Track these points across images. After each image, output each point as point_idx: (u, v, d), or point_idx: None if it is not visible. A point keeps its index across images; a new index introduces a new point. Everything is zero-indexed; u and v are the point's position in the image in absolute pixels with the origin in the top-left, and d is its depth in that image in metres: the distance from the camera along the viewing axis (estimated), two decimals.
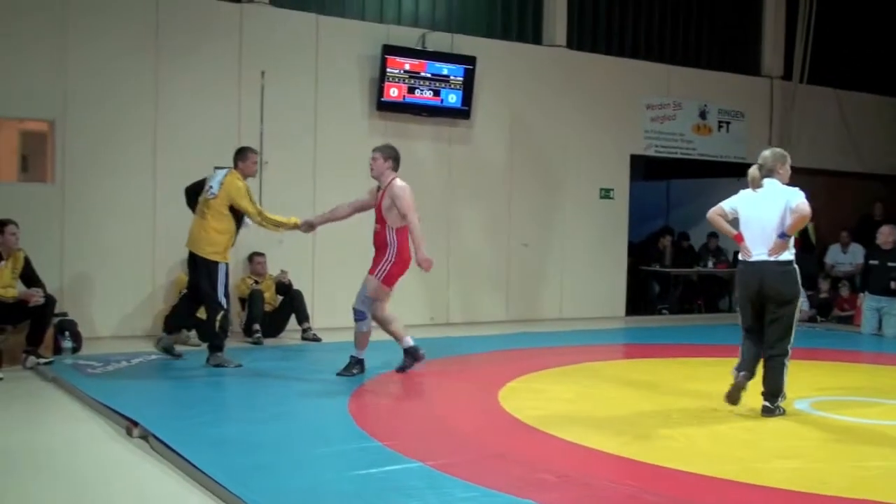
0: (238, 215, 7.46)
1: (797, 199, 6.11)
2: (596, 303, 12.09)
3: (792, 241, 6.15)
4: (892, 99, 14.59)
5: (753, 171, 6.25)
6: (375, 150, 7.24)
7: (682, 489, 4.49)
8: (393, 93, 10.37)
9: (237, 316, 9.39)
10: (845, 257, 13.03)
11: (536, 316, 11.53)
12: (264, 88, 9.82)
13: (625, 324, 11.88)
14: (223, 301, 7.42)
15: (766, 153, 6.36)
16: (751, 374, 6.14)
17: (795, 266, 6.14)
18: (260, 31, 9.83)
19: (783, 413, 6.09)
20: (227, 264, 7.50)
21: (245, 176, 7.54)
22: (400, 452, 4.84)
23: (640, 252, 13.42)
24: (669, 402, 6.52)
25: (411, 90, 10.48)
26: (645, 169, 14.66)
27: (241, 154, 7.62)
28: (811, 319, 12.30)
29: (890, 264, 11.09)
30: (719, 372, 7.94)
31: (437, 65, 10.60)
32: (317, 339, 9.21)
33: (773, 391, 6.05)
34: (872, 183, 14.22)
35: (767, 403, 6.06)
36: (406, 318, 10.30)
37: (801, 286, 6.17)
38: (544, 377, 7.44)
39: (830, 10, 13.65)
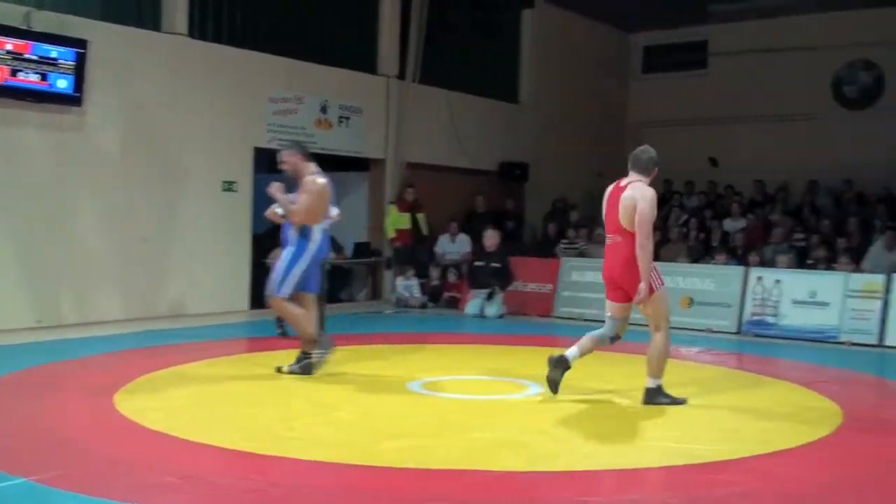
0: None
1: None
2: (220, 297, 11.97)
3: None
4: (491, 101, 15.99)
5: None
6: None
7: (303, 477, 4.65)
8: None
9: None
10: (454, 247, 14.10)
11: (158, 313, 11.16)
12: None
13: (249, 317, 11.89)
14: None
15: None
16: None
17: None
18: None
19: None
20: None
21: None
22: (1, 470, 4.49)
23: (265, 244, 13.47)
24: (290, 393, 6.69)
25: (14, 73, 9.61)
26: (269, 162, 14.74)
27: None
28: (423, 306, 13.21)
29: (493, 265, 12.32)
30: (340, 360, 8.29)
31: (45, 46, 9.82)
32: None
33: None
34: (476, 178, 15.52)
35: None
36: (7, 322, 9.57)
37: None
38: (166, 376, 7.24)
39: (441, 16, 14.63)
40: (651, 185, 6.44)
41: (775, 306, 10.97)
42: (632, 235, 6.28)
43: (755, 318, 11.06)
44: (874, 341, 10.23)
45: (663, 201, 16.10)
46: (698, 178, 16.64)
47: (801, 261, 12.09)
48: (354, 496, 4.39)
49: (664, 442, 5.45)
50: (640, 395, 6.54)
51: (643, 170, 6.47)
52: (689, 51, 18.24)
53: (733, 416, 6.31)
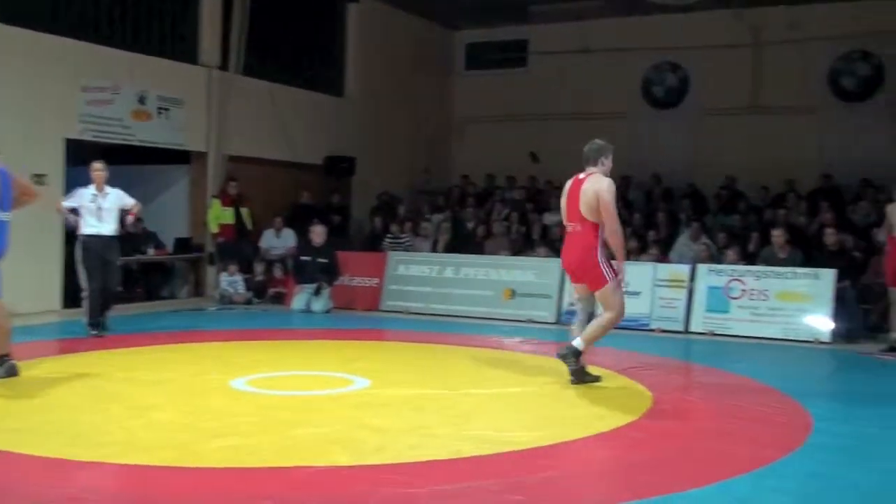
0: None
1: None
2: (28, 296, 11.23)
3: None
4: (317, 94, 15.88)
5: None
6: None
7: (122, 482, 4.50)
8: None
9: None
10: (279, 241, 13.93)
11: None
12: None
13: (61, 317, 11.31)
14: None
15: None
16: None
17: None
18: None
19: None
20: None
21: None
22: None
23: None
24: (106, 396, 6.43)
25: None
26: (83, 154, 14.08)
27: None
28: (247, 302, 12.98)
29: (320, 260, 12.28)
30: (161, 360, 8.06)
31: None
32: None
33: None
34: (301, 171, 15.37)
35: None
36: None
37: None
38: None
39: (265, 7, 14.39)
40: (610, 173, 6.99)
41: None
42: (591, 224, 6.82)
43: (573, 307, 11.49)
44: (680, 328, 10.89)
45: (486, 196, 16.57)
46: (520, 172, 17.15)
47: None
48: (176, 499, 4.28)
49: (487, 431, 5.60)
50: (463, 388, 6.70)
51: (593, 162, 7.01)
52: (510, 49, 18.75)
53: (553, 403, 6.57)
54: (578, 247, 6.90)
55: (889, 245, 9.65)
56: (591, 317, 7.27)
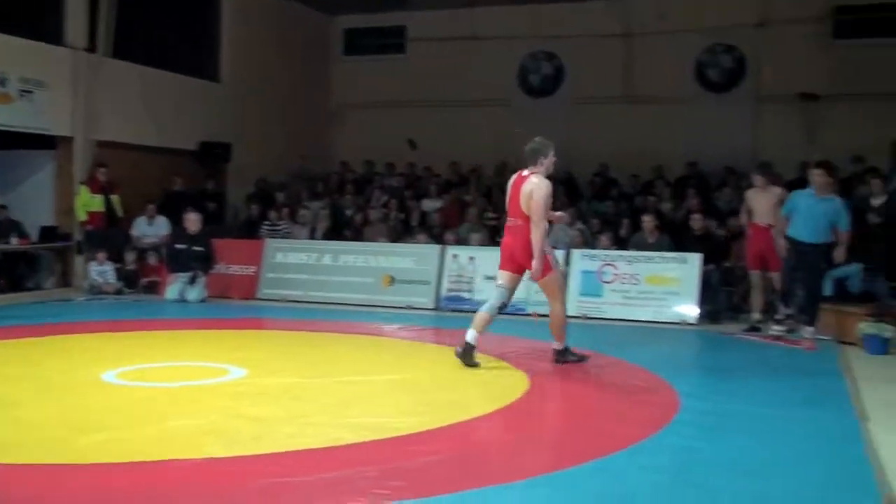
0: None
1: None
2: None
3: None
4: (190, 79, 15.46)
5: None
6: None
7: None
8: None
9: None
10: (151, 229, 13.53)
11: None
12: None
13: None
14: None
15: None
16: None
17: None
18: None
19: None
20: None
21: None
22: None
23: None
24: None
25: None
26: None
27: None
28: (118, 292, 12.57)
29: (195, 248, 11.97)
30: (23, 353, 7.74)
31: None
32: None
33: None
34: (174, 157, 14.94)
35: None
36: None
37: None
38: None
39: None
40: (550, 171, 7.34)
41: (470, 282, 11.61)
42: (529, 220, 7.10)
43: (451, 293, 11.63)
44: None
45: (365, 182, 16.53)
46: (399, 159, 17.16)
47: (493, 238, 12.86)
48: (44, 497, 4.13)
49: (366, 418, 5.61)
50: (342, 376, 6.69)
51: (532, 162, 7.32)
52: (388, 35, 18.71)
53: (432, 389, 6.63)
54: (522, 241, 7.18)
55: (750, 230, 10.12)
56: (503, 306, 7.51)
